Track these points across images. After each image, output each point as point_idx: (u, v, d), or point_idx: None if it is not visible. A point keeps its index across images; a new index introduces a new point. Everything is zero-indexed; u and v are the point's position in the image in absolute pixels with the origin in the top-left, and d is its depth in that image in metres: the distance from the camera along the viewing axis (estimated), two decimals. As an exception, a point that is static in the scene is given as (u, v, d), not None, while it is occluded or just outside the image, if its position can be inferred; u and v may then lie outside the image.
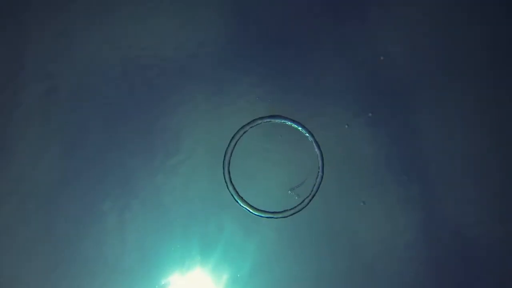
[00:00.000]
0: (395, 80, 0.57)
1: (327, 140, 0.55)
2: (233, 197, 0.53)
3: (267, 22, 0.58)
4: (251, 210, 0.53)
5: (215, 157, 0.54)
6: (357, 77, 0.56)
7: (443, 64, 0.58)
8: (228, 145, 0.52)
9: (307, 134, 0.51)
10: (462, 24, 0.59)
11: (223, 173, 0.53)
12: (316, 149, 0.51)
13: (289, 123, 0.53)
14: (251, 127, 0.53)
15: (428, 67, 0.58)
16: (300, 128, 0.52)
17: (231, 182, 0.52)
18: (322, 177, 0.52)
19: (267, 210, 0.53)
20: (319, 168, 0.52)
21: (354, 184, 0.54)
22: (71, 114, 0.56)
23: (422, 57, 0.58)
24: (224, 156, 0.52)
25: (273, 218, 0.53)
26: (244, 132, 0.52)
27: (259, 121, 0.52)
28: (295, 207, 0.53)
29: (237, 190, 0.53)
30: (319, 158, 0.52)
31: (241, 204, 0.53)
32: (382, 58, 0.53)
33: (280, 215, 0.53)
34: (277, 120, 0.53)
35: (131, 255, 0.53)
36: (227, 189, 0.53)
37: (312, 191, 0.52)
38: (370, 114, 0.53)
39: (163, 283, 0.53)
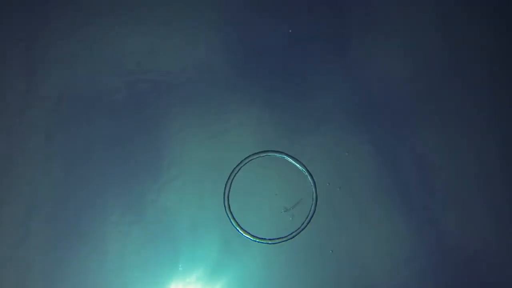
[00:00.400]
0: (396, 103, 0.56)
1: (327, 165, 0.54)
2: (235, 228, 0.53)
3: (269, 53, 0.58)
4: (250, 238, 0.53)
5: (218, 179, 0.55)
6: (358, 101, 0.55)
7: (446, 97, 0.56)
8: (228, 179, 0.53)
9: (303, 170, 0.50)
10: (463, 34, 0.57)
11: (224, 202, 0.53)
12: (312, 187, 0.51)
13: (286, 158, 0.53)
14: (249, 161, 0.53)
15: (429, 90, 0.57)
16: (294, 162, 0.52)
17: (232, 214, 0.53)
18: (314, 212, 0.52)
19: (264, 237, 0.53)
20: (312, 201, 0.52)
21: (356, 208, 0.54)
22: (74, 137, 0.57)
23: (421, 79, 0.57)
24: (224, 190, 0.53)
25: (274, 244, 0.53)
26: (243, 165, 0.53)
27: (255, 156, 0.53)
28: (285, 236, 0.53)
29: (237, 219, 0.53)
30: (313, 196, 0.52)
31: (242, 233, 0.53)
32: (347, 153, 0.53)
33: (272, 241, 0.53)
34: (265, 155, 0.53)
35: (133, 273, 0.54)
36: (228, 216, 0.53)
37: (305, 219, 0.52)
38: (346, 154, 0.52)
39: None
